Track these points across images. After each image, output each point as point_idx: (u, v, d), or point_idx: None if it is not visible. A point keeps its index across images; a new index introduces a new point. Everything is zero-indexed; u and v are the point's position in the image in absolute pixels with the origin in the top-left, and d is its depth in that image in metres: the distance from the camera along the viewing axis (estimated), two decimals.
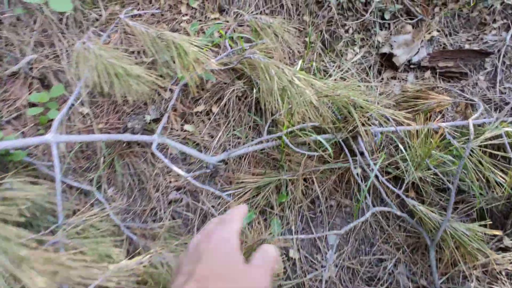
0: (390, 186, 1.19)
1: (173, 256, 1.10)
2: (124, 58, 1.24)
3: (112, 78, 1.17)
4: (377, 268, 1.27)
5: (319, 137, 1.21)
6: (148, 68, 1.53)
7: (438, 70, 1.58)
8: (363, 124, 1.24)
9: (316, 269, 1.29)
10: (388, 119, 1.27)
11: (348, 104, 1.19)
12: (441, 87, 1.50)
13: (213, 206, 1.40)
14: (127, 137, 1.34)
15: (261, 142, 1.46)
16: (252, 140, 1.44)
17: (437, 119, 1.30)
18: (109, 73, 1.19)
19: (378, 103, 1.22)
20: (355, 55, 1.72)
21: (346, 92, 1.18)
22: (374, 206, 1.30)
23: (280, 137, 1.36)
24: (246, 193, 1.36)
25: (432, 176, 1.20)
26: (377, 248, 1.31)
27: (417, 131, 1.17)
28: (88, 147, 1.48)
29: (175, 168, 1.23)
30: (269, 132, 1.43)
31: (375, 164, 1.23)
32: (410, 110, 1.30)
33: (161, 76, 1.55)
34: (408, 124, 1.15)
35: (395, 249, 1.30)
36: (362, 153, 1.33)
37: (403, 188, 1.20)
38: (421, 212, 1.13)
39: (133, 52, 1.66)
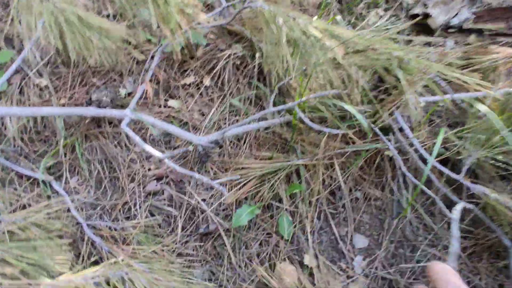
0: (445, 170, 0.87)
1: (145, 270, 0.78)
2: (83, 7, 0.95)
3: (62, 26, 0.87)
4: (423, 280, 0.94)
5: (351, 108, 0.89)
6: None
7: (486, 33, 1.27)
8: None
9: (340, 281, 0.97)
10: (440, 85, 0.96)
11: (390, 63, 0.88)
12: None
13: (203, 200, 1.08)
14: (90, 111, 1.03)
15: (266, 118, 1.15)
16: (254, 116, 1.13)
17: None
18: (58, 22, 0.89)
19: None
20: (379, 18, 1.42)
21: (386, 46, 0.88)
22: (414, 200, 0.98)
23: (290, 110, 1.05)
24: (247, 183, 1.05)
25: (499, 157, 0.89)
26: (421, 253, 0.98)
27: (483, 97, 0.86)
28: (46, 128, 1.18)
29: (148, 147, 0.92)
30: (275, 104, 1.12)
31: (422, 144, 0.91)
32: (463, 70, 0.99)
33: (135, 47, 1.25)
34: (477, 90, 0.83)
35: (445, 254, 0.97)
36: (400, 130, 1.01)
37: (462, 173, 0.88)
38: (496, 201, 0.81)
39: (108, 16, 1.37)
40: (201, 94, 1.25)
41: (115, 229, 1.03)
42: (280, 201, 1.05)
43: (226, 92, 1.23)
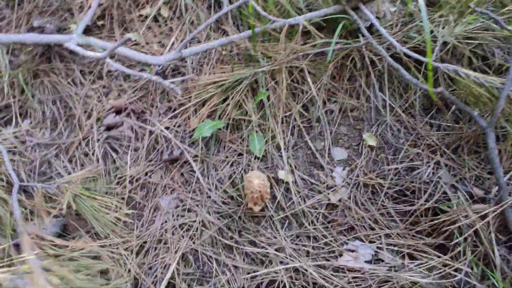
0: (417, 56, 0.79)
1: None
2: None
3: None
4: (409, 179, 0.87)
5: None
6: None
7: None
8: None
9: (320, 192, 0.89)
10: None
11: None
12: None
13: (167, 128, 1.00)
14: (30, 37, 0.94)
15: (226, 33, 1.07)
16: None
17: None
18: None
19: None
20: None
21: None
22: (392, 104, 0.90)
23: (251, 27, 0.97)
24: (209, 98, 0.96)
25: (469, 40, 0.81)
26: (404, 154, 0.91)
27: None
28: None
29: (89, 53, 0.83)
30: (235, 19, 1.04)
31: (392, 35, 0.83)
32: None
33: None
34: None
35: (429, 152, 0.89)
36: (369, 28, 0.94)
37: (433, 56, 0.80)
38: (467, 78, 0.74)
39: None
40: (159, 25, 1.16)
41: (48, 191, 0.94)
42: (247, 114, 0.97)
43: (185, 20, 1.14)
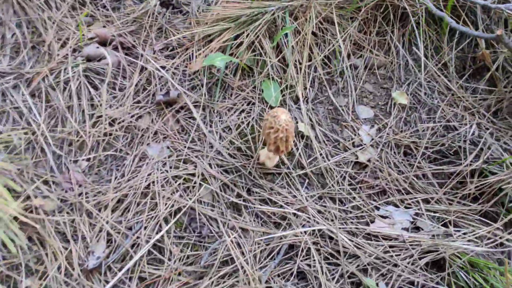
0: None
1: None
2: None
3: None
4: (450, 138, 0.75)
5: None
6: None
7: None
8: None
9: (346, 149, 0.75)
10: None
11: None
12: None
13: (163, 67, 0.82)
14: None
15: None
16: None
17: None
18: None
19: None
20: None
21: None
22: (425, 57, 0.80)
23: None
24: (220, 34, 0.81)
25: None
26: (440, 115, 0.80)
27: None
28: None
29: None
30: None
31: None
32: None
33: None
34: None
35: (468, 114, 0.79)
36: None
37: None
38: None
39: None
40: None
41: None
42: (265, 56, 0.82)
43: None
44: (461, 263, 0.59)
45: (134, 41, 0.86)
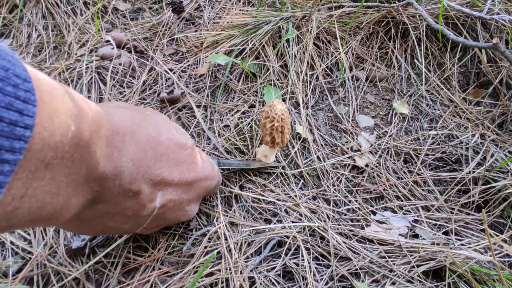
0: (466, 9, 0.72)
1: None
2: None
3: None
4: (451, 145, 0.73)
5: None
6: None
7: None
8: None
9: (343, 152, 0.74)
10: None
11: None
12: None
13: (170, 70, 0.86)
14: None
15: None
16: None
17: None
18: None
19: None
20: None
21: None
22: (428, 70, 0.81)
23: None
24: (227, 40, 0.85)
25: None
26: (442, 124, 0.78)
27: None
28: None
29: None
30: None
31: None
32: None
33: None
34: None
35: (472, 125, 0.77)
36: None
37: (484, 10, 0.73)
38: None
39: None
40: None
41: None
42: (267, 62, 0.85)
43: None
44: (462, 273, 0.55)
45: (147, 46, 0.91)
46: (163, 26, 0.94)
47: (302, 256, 0.58)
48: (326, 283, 0.56)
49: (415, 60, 0.87)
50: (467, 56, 0.86)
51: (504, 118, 0.77)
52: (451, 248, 0.58)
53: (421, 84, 0.84)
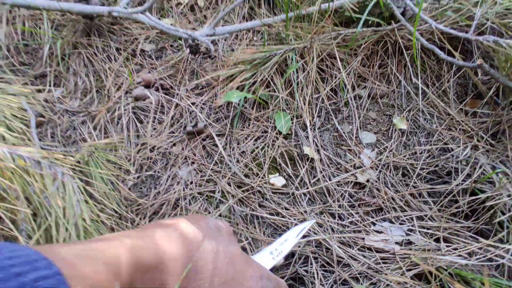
0: (454, 32, 0.78)
1: None
2: None
3: None
4: (443, 159, 0.81)
5: None
6: None
7: None
8: None
9: (347, 170, 0.84)
10: None
11: None
12: None
13: (193, 104, 1.00)
14: (78, 7, 1.00)
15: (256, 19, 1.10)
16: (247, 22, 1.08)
17: None
18: None
19: None
20: None
21: None
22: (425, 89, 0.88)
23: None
24: (238, 74, 0.97)
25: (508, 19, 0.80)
26: (437, 138, 0.86)
27: None
28: (35, 38, 1.15)
29: (130, 9, 0.87)
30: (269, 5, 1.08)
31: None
32: None
33: None
34: None
35: (466, 137, 0.85)
36: (403, 13, 0.94)
37: (471, 31, 0.79)
38: (509, 48, 0.71)
39: None
40: (194, 13, 1.22)
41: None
42: (275, 92, 0.96)
43: (219, 9, 1.19)
44: (447, 275, 0.65)
45: (172, 83, 1.06)
46: (183, 63, 1.08)
47: (311, 264, 0.70)
48: (331, 287, 0.68)
49: (413, 77, 0.94)
50: (464, 68, 0.92)
51: (497, 128, 0.83)
52: (440, 254, 0.68)
53: (418, 99, 0.91)
